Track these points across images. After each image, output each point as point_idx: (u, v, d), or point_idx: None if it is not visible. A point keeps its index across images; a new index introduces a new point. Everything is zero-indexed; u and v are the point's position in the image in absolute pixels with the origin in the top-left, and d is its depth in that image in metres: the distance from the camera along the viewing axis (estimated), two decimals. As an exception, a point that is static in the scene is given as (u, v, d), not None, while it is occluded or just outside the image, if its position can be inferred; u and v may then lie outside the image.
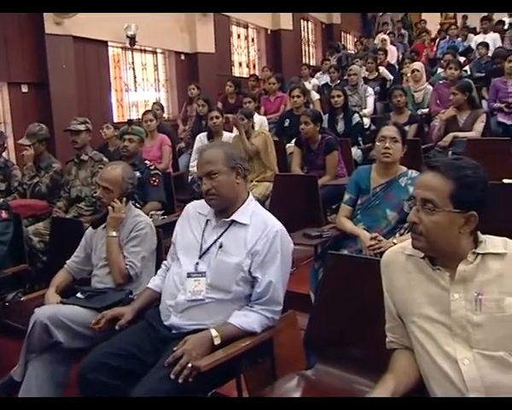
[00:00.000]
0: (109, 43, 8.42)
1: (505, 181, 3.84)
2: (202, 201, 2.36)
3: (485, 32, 10.27)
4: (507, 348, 1.57)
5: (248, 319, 2.15)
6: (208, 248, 2.26)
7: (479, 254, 1.65)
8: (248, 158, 5.06)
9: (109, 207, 2.87)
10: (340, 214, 3.26)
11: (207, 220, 2.33)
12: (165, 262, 2.52)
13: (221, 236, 2.26)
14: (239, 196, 2.30)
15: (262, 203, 4.60)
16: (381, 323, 1.87)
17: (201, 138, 5.64)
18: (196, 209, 2.40)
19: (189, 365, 1.95)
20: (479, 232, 1.69)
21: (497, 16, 12.52)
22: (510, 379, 1.54)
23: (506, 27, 11.43)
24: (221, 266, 2.21)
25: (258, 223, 2.25)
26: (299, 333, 2.42)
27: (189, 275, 2.23)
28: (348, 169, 4.73)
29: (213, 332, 2.08)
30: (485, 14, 10.99)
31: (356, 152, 5.60)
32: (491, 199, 3.11)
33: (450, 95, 5.50)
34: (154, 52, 9.53)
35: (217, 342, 2.06)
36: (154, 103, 7.36)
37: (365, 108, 6.88)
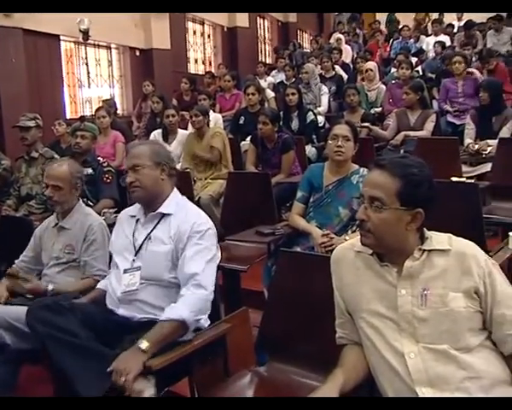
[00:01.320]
0: (61, 38, 8.23)
1: (453, 179, 3.94)
2: (135, 205, 2.46)
3: (436, 35, 10.52)
4: (450, 341, 1.61)
5: (173, 310, 2.15)
6: (141, 245, 2.34)
7: (425, 250, 1.69)
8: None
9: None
10: (293, 212, 3.29)
11: (137, 220, 2.41)
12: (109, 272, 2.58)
13: (152, 231, 2.34)
14: (163, 192, 2.38)
15: (216, 201, 4.64)
16: (331, 319, 1.90)
17: (156, 135, 5.60)
18: (127, 214, 2.49)
19: (123, 379, 1.92)
20: (425, 229, 1.73)
21: (447, 19, 12.86)
22: (452, 371, 1.59)
23: (455, 30, 11.74)
24: (152, 257, 2.29)
25: (181, 211, 2.34)
26: (252, 330, 2.44)
27: (125, 271, 2.31)
28: (302, 167, 4.76)
29: (142, 345, 2.02)
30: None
31: (310, 150, 5.64)
32: (440, 196, 3.21)
33: (402, 94, 5.62)
34: (109, 47, 9.37)
35: (147, 350, 2.01)
36: (104, 100, 7.25)
37: (320, 106, 6.95)
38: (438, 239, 1.72)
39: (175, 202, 2.39)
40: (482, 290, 1.63)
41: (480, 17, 11.31)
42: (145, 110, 7.54)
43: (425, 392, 1.58)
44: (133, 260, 2.33)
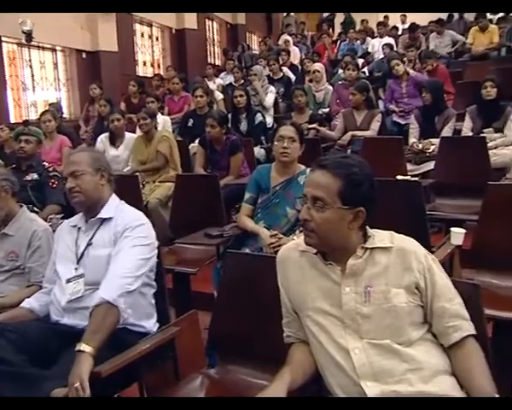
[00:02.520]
0: (3, 39, 8.02)
1: (398, 177, 4.03)
2: (75, 215, 2.47)
3: (381, 37, 10.79)
4: (393, 336, 1.65)
5: (93, 298, 2.14)
6: (83, 252, 2.34)
7: (367, 248, 1.72)
8: (151, 159, 5.03)
9: None
10: (242, 213, 3.30)
11: (79, 228, 2.41)
12: (45, 285, 2.51)
13: (93, 237, 2.35)
14: (103, 197, 2.40)
15: (165, 204, 4.60)
16: (280, 319, 1.92)
17: (103, 140, 5.52)
18: (68, 224, 2.48)
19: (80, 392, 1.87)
20: (367, 227, 1.77)
21: (392, 21, 13.21)
22: (395, 364, 1.63)
23: (400, 32, 12.04)
24: (95, 262, 2.29)
25: (120, 215, 2.35)
26: (202, 333, 2.44)
27: (68, 281, 2.30)
28: (251, 168, 4.75)
29: (78, 347, 1.97)
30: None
31: (259, 151, 5.68)
32: (386, 194, 3.28)
33: (349, 95, 5.72)
34: (54, 50, 9.18)
35: (88, 349, 1.96)
36: (50, 104, 7.09)
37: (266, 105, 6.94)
38: (380, 237, 1.75)
39: (114, 206, 2.41)
40: (423, 285, 1.68)
41: (423, 20, 11.67)
42: (92, 114, 7.41)
43: (370, 386, 1.62)
44: (75, 269, 2.32)
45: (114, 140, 5.47)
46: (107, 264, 2.26)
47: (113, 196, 2.46)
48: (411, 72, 6.77)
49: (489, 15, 12.08)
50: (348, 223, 1.70)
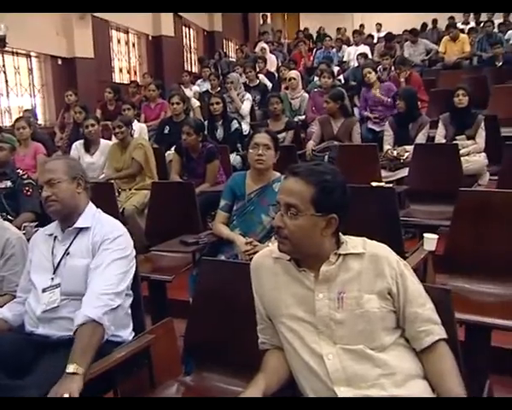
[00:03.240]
0: (-25, 44, 7.94)
1: (373, 184, 4.08)
2: (51, 224, 2.43)
3: (357, 45, 10.92)
4: (366, 341, 1.67)
5: (78, 316, 2.10)
6: (60, 262, 2.31)
7: (340, 254, 1.74)
8: (126, 166, 5.00)
9: None
10: (217, 220, 3.30)
11: (55, 237, 2.37)
12: (19, 295, 2.47)
13: (70, 246, 2.32)
14: (80, 206, 2.37)
15: (140, 212, 4.58)
16: (255, 325, 1.92)
17: (77, 147, 5.46)
18: (44, 233, 2.45)
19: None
20: (340, 234, 1.78)
21: (367, 30, 13.42)
22: (368, 369, 1.64)
23: (375, 41, 12.19)
24: (71, 272, 2.26)
25: (97, 224, 2.34)
26: (178, 340, 2.43)
27: (43, 290, 2.27)
28: (227, 176, 4.73)
29: (69, 369, 1.93)
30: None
31: (235, 158, 5.69)
32: (361, 201, 3.31)
33: (324, 103, 5.76)
34: (28, 55, 9.08)
35: (80, 371, 1.92)
36: (24, 110, 7.01)
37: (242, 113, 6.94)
38: (352, 243, 1.77)
39: (91, 215, 2.38)
40: (395, 291, 1.70)
41: (398, 29, 11.87)
42: (68, 120, 7.34)
43: (343, 391, 1.63)
44: (52, 279, 2.29)
45: (89, 147, 5.42)
46: (84, 274, 2.24)
47: (90, 204, 2.43)
48: (386, 83, 6.84)
49: (460, 25, 12.41)
50: (321, 230, 1.71)
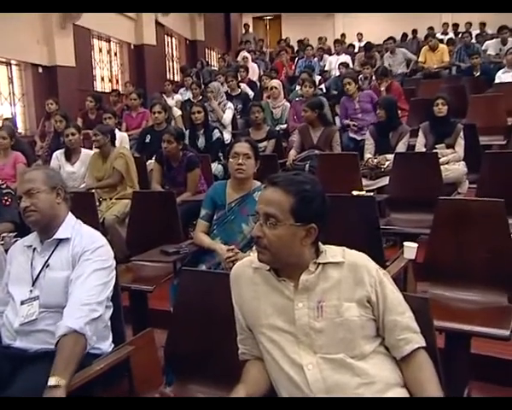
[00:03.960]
0: (-47, 52, 7.86)
1: (354, 193, 4.09)
2: (29, 235, 2.41)
3: (338, 54, 11.00)
4: (346, 350, 1.67)
5: (59, 327, 2.08)
6: (39, 274, 2.28)
7: (319, 264, 1.74)
8: (108, 175, 4.96)
9: None
10: (198, 230, 3.29)
11: (34, 249, 2.35)
12: None
13: (49, 258, 2.29)
14: (59, 216, 2.35)
15: (121, 221, 4.55)
16: (235, 336, 1.91)
17: (58, 156, 5.41)
18: (23, 244, 2.42)
19: None
20: (320, 243, 1.79)
21: (348, 40, 13.55)
22: (348, 378, 1.64)
23: (356, 50, 12.30)
24: (51, 284, 2.24)
25: (77, 235, 2.32)
26: (159, 350, 2.41)
27: (22, 303, 2.24)
28: (209, 185, 4.74)
29: (51, 382, 1.89)
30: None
31: (217, 167, 5.67)
32: (342, 210, 3.32)
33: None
34: (8, 64, 8.99)
35: (62, 383, 1.89)
36: (4, 119, 6.94)
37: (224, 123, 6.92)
38: (332, 252, 1.77)
39: (71, 226, 2.36)
40: (374, 299, 1.71)
41: (378, 39, 12.01)
42: (49, 129, 7.28)
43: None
44: (30, 291, 2.26)
45: (70, 156, 5.38)
46: (64, 287, 2.22)
47: (70, 214, 2.41)
48: (367, 91, 6.89)
49: (439, 36, 12.62)
50: (301, 239, 1.71)
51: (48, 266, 2.28)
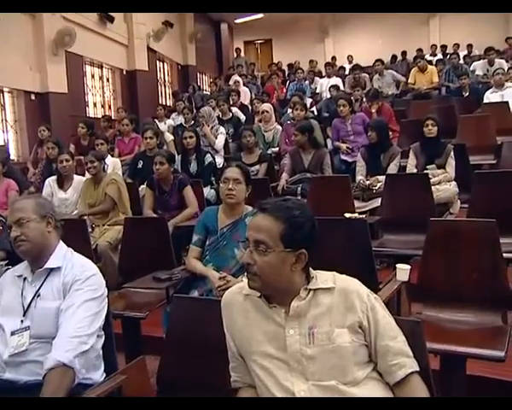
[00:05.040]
0: None
1: (346, 215, 4.10)
2: (20, 264, 2.39)
3: (329, 76, 11.08)
4: (338, 377, 1.66)
5: (48, 360, 2.04)
6: (30, 304, 2.25)
7: (310, 289, 1.74)
8: (100, 202, 4.95)
9: None
10: (190, 256, 3.29)
11: (24, 279, 2.32)
12: None
13: (40, 287, 2.27)
14: (50, 245, 2.33)
15: (114, 248, 4.53)
16: (227, 363, 1.90)
17: (50, 183, 5.40)
18: (13, 274, 2.39)
19: None
20: (311, 269, 1.78)
21: (339, 62, 13.68)
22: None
23: (347, 73, 12.39)
24: (42, 315, 2.21)
25: (68, 264, 2.30)
26: (151, 378, 2.38)
27: (12, 333, 2.21)
28: (201, 209, 4.74)
29: None
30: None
31: (209, 192, 5.67)
32: (333, 233, 3.31)
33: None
34: (1, 91, 9.01)
35: None
36: (-2, 146, 6.94)
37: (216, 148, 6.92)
38: (322, 278, 1.77)
39: (62, 254, 2.34)
40: (366, 324, 1.70)
41: (368, 60, 12.15)
42: (41, 156, 7.27)
43: None
44: (21, 321, 2.23)
45: (63, 183, 5.38)
46: (55, 317, 2.19)
47: (61, 243, 2.39)
48: (359, 113, 6.94)
49: (428, 57, 12.77)
50: (291, 265, 1.71)
51: (39, 295, 2.25)
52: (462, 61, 11.25)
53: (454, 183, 5.06)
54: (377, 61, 10.14)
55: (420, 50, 14.27)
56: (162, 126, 8.52)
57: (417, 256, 3.53)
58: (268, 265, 1.69)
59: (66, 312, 2.16)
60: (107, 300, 2.33)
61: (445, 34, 16.43)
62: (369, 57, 12.60)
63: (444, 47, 14.81)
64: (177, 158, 5.81)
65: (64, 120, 9.44)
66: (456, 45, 14.06)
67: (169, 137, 7.66)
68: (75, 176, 5.49)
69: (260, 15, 17.54)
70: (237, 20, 18.77)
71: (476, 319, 2.77)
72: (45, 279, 2.28)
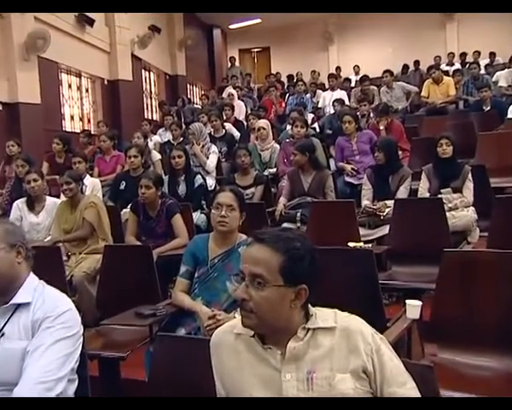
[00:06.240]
0: None
1: (350, 244, 4.12)
2: None
3: (333, 89, 11.11)
4: None
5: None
6: None
7: (309, 329, 1.74)
8: (77, 227, 4.95)
9: None
10: (177, 289, 3.29)
11: None
12: None
13: (4, 325, 2.23)
14: (19, 277, 2.29)
15: (92, 279, 4.52)
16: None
17: (19, 205, 5.38)
18: None
19: None
20: (309, 305, 1.79)
21: (344, 73, 13.73)
22: None
23: (353, 85, 12.48)
24: (6, 357, 2.17)
25: (39, 299, 2.26)
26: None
27: None
28: (190, 237, 4.74)
29: None
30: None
31: (199, 217, 5.66)
32: (335, 264, 3.32)
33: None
34: (-37, 101, 9.04)
35: None
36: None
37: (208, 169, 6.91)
38: (322, 316, 1.77)
39: (32, 288, 2.30)
40: (370, 369, 1.70)
41: (376, 71, 12.16)
42: (9, 174, 7.22)
43: None
44: None
45: (33, 205, 5.36)
46: (20, 360, 2.14)
47: (31, 275, 2.36)
48: (366, 131, 6.97)
49: (444, 67, 12.74)
50: (290, 302, 1.71)
51: (3, 335, 2.21)
52: (483, 71, 11.10)
53: (472, 208, 5.05)
54: (386, 71, 10.08)
55: (438, 58, 14.21)
56: (148, 143, 8.53)
57: (430, 291, 3.54)
58: (265, 301, 1.69)
59: (34, 353, 2.12)
60: (82, 339, 2.30)
61: (464, 41, 16.35)
62: (377, 67, 12.56)
63: (463, 55, 14.76)
64: (165, 179, 5.80)
65: (36, 134, 9.40)
66: (477, 53, 13.91)
67: (156, 155, 7.65)
68: (48, 197, 5.48)
69: (257, 20, 17.67)
70: (232, 26, 18.93)
71: (498, 364, 2.75)
72: (11, 316, 2.24)
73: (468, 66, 12.20)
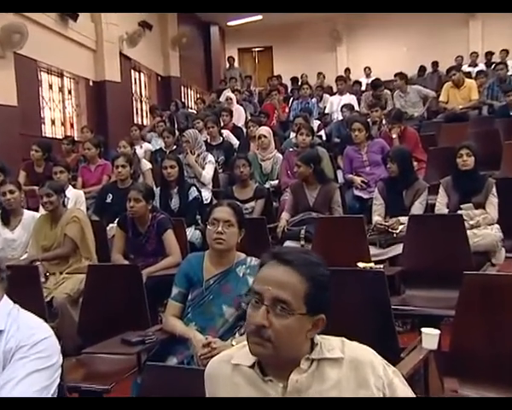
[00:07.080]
0: None
1: (360, 265, 4.11)
2: None
3: (341, 93, 11.14)
4: None
5: None
6: None
7: (313, 360, 1.73)
8: (57, 244, 4.95)
9: None
10: (168, 313, 3.29)
11: None
12: None
13: None
14: None
15: (74, 301, 4.52)
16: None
17: (-9, 221, 5.39)
18: None
19: None
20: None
21: (354, 76, 13.72)
22: None
23: (363, 88, 12.49)
24: None
25: (13, 325, 2.22)
26: None
27: None
28: (183, 255, 4.72)
29: None
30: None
31: (194, 233, 5.67)
32: (343, 287, 3.32)
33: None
34: None
35: None
36: None
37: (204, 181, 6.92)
38: (328, 345, 1.77)
39: (6, 313, 2.27)
40: None
41: (389, 73, 12.12)
42: (-18, 185, 7.26)
43: None
44: None
45: (8, 219, 5.35)
46: None
47: (5, 299, 2.33)
48: (377, 140, 6.96)
49: (466, 68, 12.66)
50: (306, 332, 1.71)
51: None
52: (510, 73, 11.00)
53: (497, 226, 5.04)
54: (397, 74, 9.94)
55: (459, 58, 14.07)
56: (138, 151, 8.51)
57: (449, 318, 3.54)
58: (286, 330, 1.67)
59: (4, 388, 2.09)
60: (60, 370, 2.28)
61: (490, 39, 16.24)
62: (391, 69, 12.44)
63: (489, 54, 14.56)
64: (156, 191, 5.79)
65: (12, 140, 9.29)
66: (505, 52, 13.84)
67: (146, 165, 7.66)
68: (25, 211, 5.48)
69: (258, 17, 17.75)
70: (230, 23, 19.01)
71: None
72: None
73: (493, 66, 12.08)
